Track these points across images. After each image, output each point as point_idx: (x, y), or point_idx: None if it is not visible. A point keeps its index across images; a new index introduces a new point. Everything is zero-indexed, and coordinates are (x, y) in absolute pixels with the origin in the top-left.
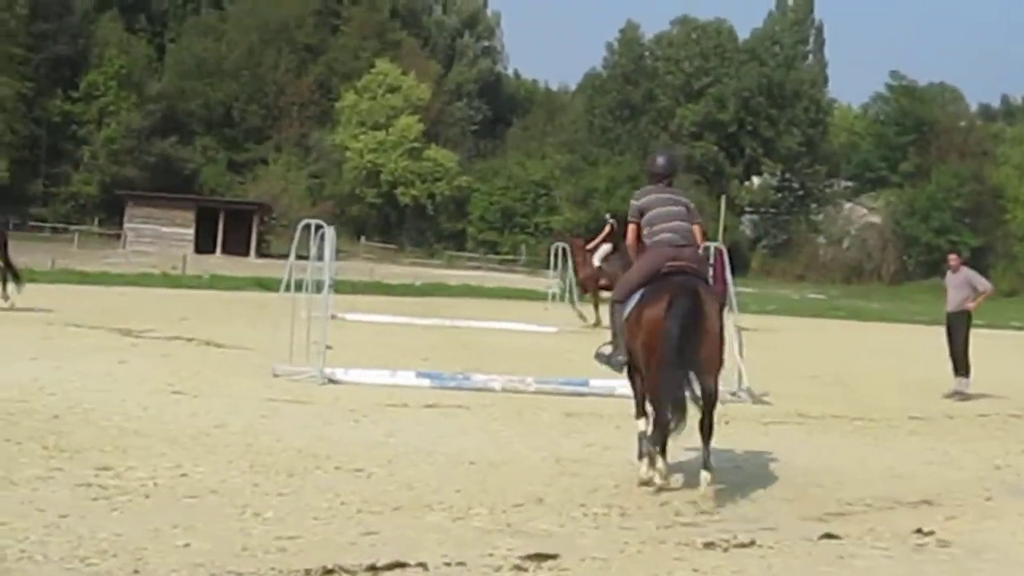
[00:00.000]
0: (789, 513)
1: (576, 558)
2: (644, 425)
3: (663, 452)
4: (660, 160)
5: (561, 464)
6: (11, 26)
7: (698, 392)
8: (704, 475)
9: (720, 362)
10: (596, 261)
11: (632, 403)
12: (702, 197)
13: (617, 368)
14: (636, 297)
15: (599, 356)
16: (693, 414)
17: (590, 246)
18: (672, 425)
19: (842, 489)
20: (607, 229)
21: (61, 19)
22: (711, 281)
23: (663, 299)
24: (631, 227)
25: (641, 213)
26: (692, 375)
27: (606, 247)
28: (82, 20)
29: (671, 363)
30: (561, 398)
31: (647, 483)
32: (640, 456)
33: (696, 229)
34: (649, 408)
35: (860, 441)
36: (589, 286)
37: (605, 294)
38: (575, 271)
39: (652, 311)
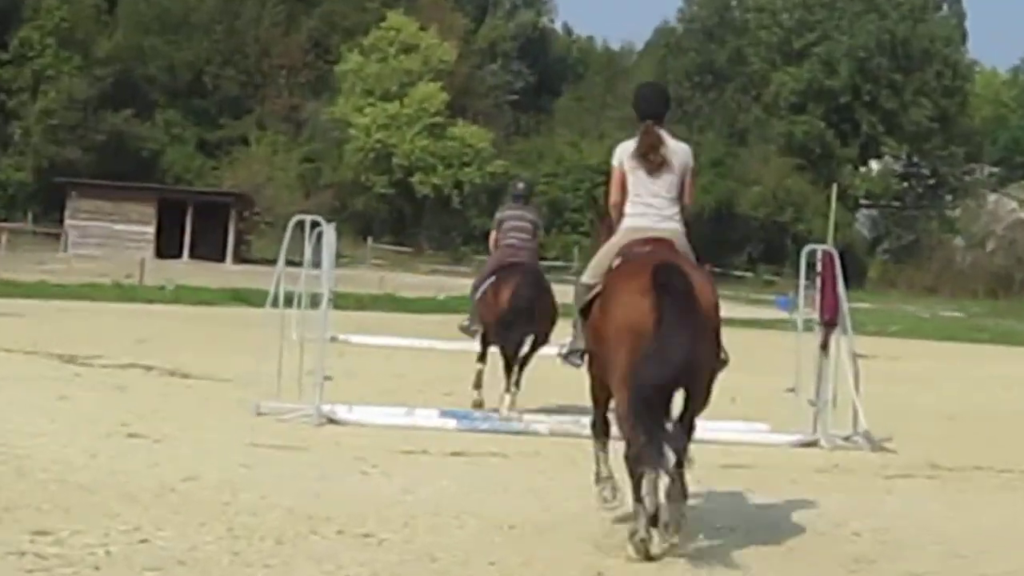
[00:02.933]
0: None
1: None
2: (481, 365)
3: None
4: (520, 185)
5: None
6: None
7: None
8: (514, 390)
9: (552, 321)
10: None
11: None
12: (805, 186)
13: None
14: (490, 280)
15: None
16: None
17: None
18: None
19: (989, 561)
20: None
21: None
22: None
23: (512, 280)
24: (492, 233)
25: (499, 224)
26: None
27: None
28: None
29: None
30: None
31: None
32: (476, 386)
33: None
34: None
35: (1009, 500)
36: None
37: None
38: None
39: (506, 289)
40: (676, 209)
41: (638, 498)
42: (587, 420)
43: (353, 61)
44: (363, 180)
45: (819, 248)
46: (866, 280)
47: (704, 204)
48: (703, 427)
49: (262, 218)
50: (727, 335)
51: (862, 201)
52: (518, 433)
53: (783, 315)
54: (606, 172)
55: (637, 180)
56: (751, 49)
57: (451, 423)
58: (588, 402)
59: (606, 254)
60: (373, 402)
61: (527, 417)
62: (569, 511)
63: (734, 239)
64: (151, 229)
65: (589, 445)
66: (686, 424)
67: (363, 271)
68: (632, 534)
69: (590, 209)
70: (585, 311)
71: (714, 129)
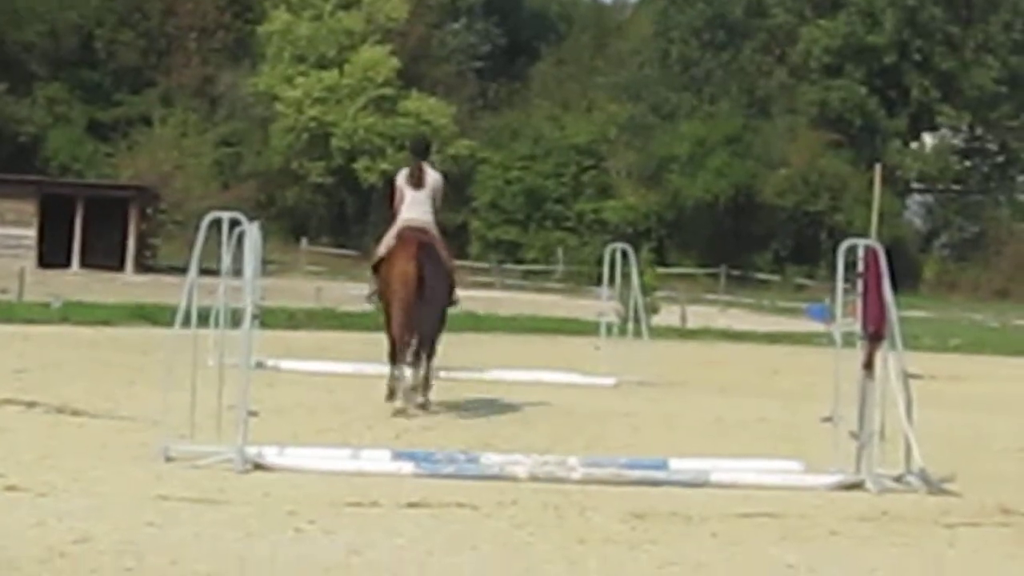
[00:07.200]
0: None
1: None
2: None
3: None
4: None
5: None
6: None
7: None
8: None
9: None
10: None
11: None
12: (842, 167)
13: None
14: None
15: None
16: None
17: None
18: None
19: None
20: None
21: None
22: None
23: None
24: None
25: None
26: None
27: None
28: None
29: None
30: (624, 489)
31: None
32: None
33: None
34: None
35: None
36: None
37: None
38: None
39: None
40: (430, 209)
41: (396, 377)
42: (574, 461)
43: (280, 20)
44: (294, 167)
45: (861, 243)
46: (920, 282)
47: (718, 191)
48: (719, 467)
49: (170, 216)
50: (746, 351)
51: (914, 185)
52: (491, 478)
53: (817, 327)
54: (598, 155)
55: (409, 193)
56: None
57: (407, 467)
58: (580, 441)
59: (390, 235)
60: (310, 442)
61: (494, 457)
62: (553, 574)
63: (756, 234)
64: (31, 232)
65: (576, 493)
66: (429, 341)
67: (296, 280)
68: (401, 398)
69: (576, 199)
70: (375, 269)
71: (729, 98)
